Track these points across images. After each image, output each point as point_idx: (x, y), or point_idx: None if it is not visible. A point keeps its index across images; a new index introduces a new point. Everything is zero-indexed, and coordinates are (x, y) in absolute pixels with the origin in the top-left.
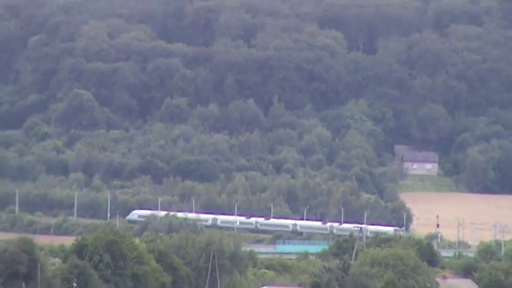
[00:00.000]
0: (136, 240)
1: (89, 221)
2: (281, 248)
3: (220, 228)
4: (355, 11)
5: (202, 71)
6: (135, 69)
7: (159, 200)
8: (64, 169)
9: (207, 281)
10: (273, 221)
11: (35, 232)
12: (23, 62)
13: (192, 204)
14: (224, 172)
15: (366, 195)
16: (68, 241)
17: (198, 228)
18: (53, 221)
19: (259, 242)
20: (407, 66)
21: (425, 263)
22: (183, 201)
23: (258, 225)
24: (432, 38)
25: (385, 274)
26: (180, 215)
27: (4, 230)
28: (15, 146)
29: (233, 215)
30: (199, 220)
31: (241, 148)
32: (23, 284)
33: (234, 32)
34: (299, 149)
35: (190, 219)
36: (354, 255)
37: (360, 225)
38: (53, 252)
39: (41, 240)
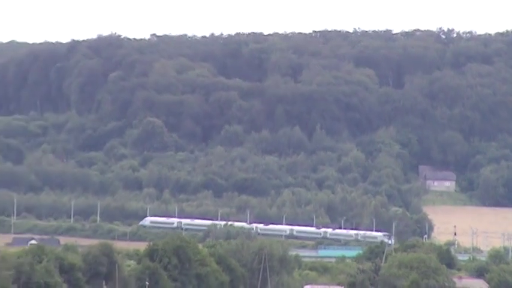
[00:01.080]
0: (200, 246)
1: (160, 230)
2: (322, 252)
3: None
4: (385, 52)
5: (255, 102)
6: (199, 101)
7: (219, 211)
8: (138, 185)
9: (259, 280)
10: (271, 226)
11: (113, 238)
12: (104, 94)
13: (247, 215)
14: (274, 188)
15: (394, 208)
16: (142, 246)
17: (252, 236)
18: (128, 229)
19: (303, 247)
20: (429, 99)
21: (444, 265)
22: (239, 212)
23: (258, 230)
24: (450, 75)
25: (410, 275)
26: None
27: (87, 236)
28: (97, 165)
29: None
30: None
31: (288, 168)
32: (104, 282)
33: (283, 70)
34: (338, 169)
35: (245, 228)
36: (383, 258)
37: (387, 234)
38: (128, 255)
39: (119, 245)
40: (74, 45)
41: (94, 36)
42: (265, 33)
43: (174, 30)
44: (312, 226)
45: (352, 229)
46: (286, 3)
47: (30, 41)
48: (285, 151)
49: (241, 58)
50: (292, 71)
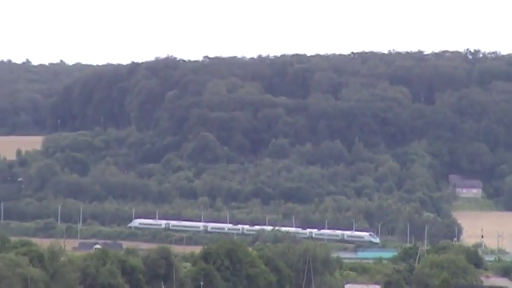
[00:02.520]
0: (250, 249)
1: (213, 235)
2: (361, 254)
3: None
4: (417, 71)
5: (300, 118)
6: (248, 117)
7: (267, 218)
8: (193, 194)
9: (304, 280)
10: (256, 227)
11: (170, 242)
12: (162, 111)
13: (292, 221)
14: (317, 196)
15: (426, 214)
16: (197, 249)
17: (297, 239)
18: (185, 234)
19: (344, 249)
20: (458, 114)
21: (472, 265)
22: (285, 218)
23: (244, 231)
24: (477, 92)
25: (441, 274)
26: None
27: (147, 241)
28: (155, 176)
29: (225, 223)
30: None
31: (330, 177)
32: (162, 282)
33: (325, 88)
34: (375, 178)
35: (291, 233)
36: (417, 259)
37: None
38: (185, 258)
39: (176, 249)
40: (134, 66)
41: (152, 58)
42: (308, 54)
43: (225, 52)
44: (298, 227)
45: (338, 229)
46: (328, 28)
47: (94, 63)
48: (326, 162)
49: (286, 77)
50: (333, 88)
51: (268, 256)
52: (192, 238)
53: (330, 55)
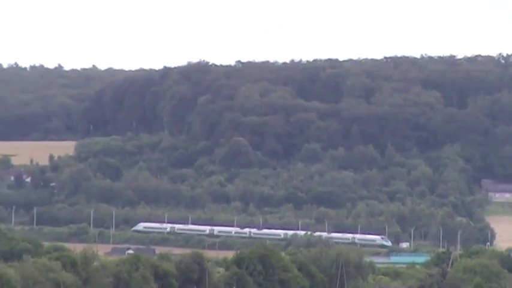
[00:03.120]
0: (282, 253)
1: (245, 240)
2: (394, 259)
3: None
4: (450, 76)
5: (332, 122)
6: (280, 121)
7: (300, 222)
8: (226, 199)
9: (337, 285)
10: (264, 231)
11: (203, 247)
12: (194, 116)
13: (325, 225)
14: (350, 200)
15: (459, 218)
16: (229, 254)
17: (330, 244)
18: (218, 239)
19: (377, 254)
20: (490, 118)
21: (505, 270)
22: (318, 223)
23: (252, 234)
24: (509, 96)
25: (474, 279)
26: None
27: (180, 246)
28: (188, 181)
29: (232, 226)
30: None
31: (362, 182)
32: (195, 287)
33: (357, 93)
34: (407, 182)
35: (324, 237)
36: (450, 264)
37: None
38: (217, 263)
39: (209, 254)
40: (167, 71)
41: (184, 63)
42: (341, 59)
43: (258, 57)
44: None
45: (349, 233)
46: (360, 32)
47: (126, 68)
48: (359, 167)
49: (319, 82)
50: (365, 93)
51: (301, 261)
52: (225, 243)
53: (362, 60)
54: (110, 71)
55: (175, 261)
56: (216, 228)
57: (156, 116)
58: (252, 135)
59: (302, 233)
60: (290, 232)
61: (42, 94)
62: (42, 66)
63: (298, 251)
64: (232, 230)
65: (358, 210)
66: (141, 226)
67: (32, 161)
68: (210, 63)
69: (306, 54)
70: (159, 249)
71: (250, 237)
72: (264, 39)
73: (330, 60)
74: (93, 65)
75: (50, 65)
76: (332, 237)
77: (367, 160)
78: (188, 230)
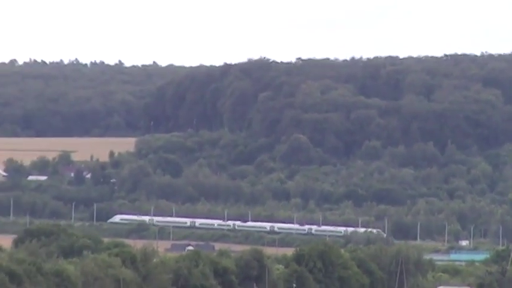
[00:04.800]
0: (342, 250)
1: (305, 236)
2: (454, 256)
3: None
4: (510, 73)
5: (392, 119)
6: (341, 118)
7: (359, 219)
8: (286, 196)
9: (397, 282)
10: (249, 223)
11: (263, 244)
12: (255, 113)
13: (385, 222)
14: (409, 198)
15: None
16: (289, 251)
17: (390, 241)
18: (277, 236)
19: (436, 251)
20: None
21: None
22: (378, 220)
23: (236, 227)
24: None
25: None
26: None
27: (239, 243)
28: (248, 178)
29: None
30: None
31: (422, 179)
32: (254, 284)
33: (417, 90)
34: (467, 180)
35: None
36: (510, 262)
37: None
38: (277, 260)
39: (268, 250)
40: (227, 68)
41: (245, 59)
42: (401, 56)
43: (318, 54)
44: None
45: (340, 226)
46: (420, 30)
47: (187, 65)
48: (419, 164)
49: (379, 79)
50: (425, 90)
51: (361, 258)
52: (284, 240)
53: (422, 57)
54: (170, 68)
55: (235, 257)
56: (198, 221)
57: (216, 112)
58: (313, 132)
59: (362, 230)
60: (350, 229)
61: (103, 90)
62: (102, 62)
63: (357, 248)
64: (215, 222)
65: (417, 208)
66: (117, 218)
67: (92, 157)
68: (270, 60)
69: (367, 51)
70: (218, 246)
71: (310, 234)
72: (324, 37)
73: (390, 57)
74: (154, 62)
75: (111, 61)
76: (323, 230)
77: (427, 157)
78: (167, 222)
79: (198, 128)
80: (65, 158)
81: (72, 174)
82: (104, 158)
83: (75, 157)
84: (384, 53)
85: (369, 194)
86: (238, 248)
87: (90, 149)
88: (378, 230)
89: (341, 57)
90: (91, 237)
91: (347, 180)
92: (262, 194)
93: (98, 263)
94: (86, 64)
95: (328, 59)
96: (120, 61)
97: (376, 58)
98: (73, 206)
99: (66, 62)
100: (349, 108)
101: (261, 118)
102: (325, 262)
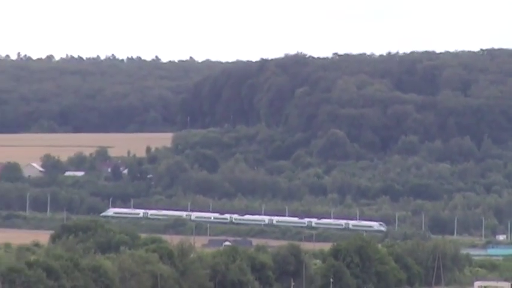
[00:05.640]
0: (379, 245)
1: (342, 232)
2: (491, 251)
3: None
4: None
5: (429, 114)
6: (377, 114)
7: (396, 214)
8: (323, 191)
9: (434, 277)
10: (247, 216)
11: (300, 239)
12: (291, 108)
13: (422, 217)
14: (446, 193)
15: None
16: (326, 246)
17: (427, 236)
18: (315, 230)
19: (473, 246)
20: None
21: None
22: (415, 215)
23: (233, 220)
24: None
25: None
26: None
27: (277, 238)
28: (285, 173)
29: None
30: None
31: (459, 174)
32: (291, 279)
33: (454, 85)
34: (504, 175)
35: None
36: None
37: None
38: (314, 255)
39: (305, 246)
40: (264, 63)
41: (282, 55)
42: (437, 51)
43: (355, 49)
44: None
45: (343, 219)
46: (457, 24)
47: (224, 60)
48: (456, 159)
49: (415, 74)
50: (462, 85)
51: (398, 253)
52: (321, 235)
53: (459, 52)
54: (207, 63)
55: (272, 253)
56: (194, 214)
57: (253, 108)
58: (349, 128)
59: (138, 211)
60: (351, 222)
61: (140, 86)
62: (139, 58)
63: (394, 243)
64: (211, 215)
65: (454, 203)
66: (111, 212)
67: (129, 152)
68: (307, 55)
69: (403, 46)
70: (255, 241)
71: (347, 229)
72: (360, 32)
73: (426, 52)
74: (191, 57)
75: (147, 56)
76: (324, 223)
77: (463, 152)
78: (162, 215)
79: (235, 124)
80: (102, 154)
81: (109, 170)
82: (141, 153)
83: (112, 153)
84: (420, 47)
85: (405, 189)
86: (275, 243)
87: (127, 145)
88: (381, 223)
89: (377, 52)
90: (128, 233)
91: (384, 175)
92: (299, 189)
93: (135, 258)
94: (122, 60)
95: (364, 54)
96: (157, 56)
97: (412, 53)
98: (110, 202)
99: (103, 57)
100: (386, 104)
101: (298, 113)
102: (362, 257)
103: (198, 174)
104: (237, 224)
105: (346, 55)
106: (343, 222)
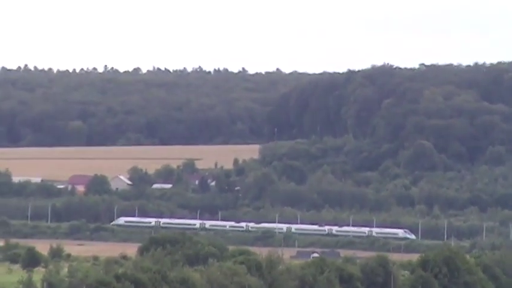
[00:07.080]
0: (467, 256)
1: (430, 242)
2: None
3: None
4: None
5: None
6: (464, 124)
7: (484, 225)
8: (411, 202)
9: None
10: (264, 225)
11: (388, 250)
12: (378, 119)
13: (509, 228)
14: None
15: None
16: (414, 257)
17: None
18: (403, 241)
19: None
20: None
21: None
22: (503, 226)
23: (249, 228)
24: None
25: None
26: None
27: (365, 249)
28: (372, 184)
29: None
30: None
31: None
32: None
33: None
34: None
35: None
36: None
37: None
38: (402, 266)
39: (393, 256)
40: (351, 75)
41: (368, 66)
42: None
43: (441, 60)
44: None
45: (364, 226)
46: None
47: (311, 72)
48: None
49: (503, 85)
50: None
51: (486, 263)
52: (409, 246)
53: None
54: (294, 75)
55: (360, 264)
56: (208, 222)
57: (340, 119)
58: (437, 138)
59: (147, 220)
60: (374, 229)
61: (227, 98)
62: (226, 69)
63: (483, 253)
64: (226, 224)
65: None
66: (122, 220)
67: (216, 164)
68: (394, 67)
69: (490, 56)
70: (343, 253)
71: (247, 231)
72: (447, 42)
73: None
74: (277, 69)
75: (234, 68)
76: (345, 231)
77: None
78: (175, 224)
79: (322, 135)
80: (189, 166)
81: (197, 182)
82: (228, 165)
83: (199, 165)
84: (506, 58)
85: (493, 200)
86: (363, 255)
87: (215, 157)
88: (405, 230)
89: (464, 63)
90: (216, 245)
91: (471, 186)
92: (387, 200)
93: (223, 270)
94: (209, 72)
95: (451, 64)
96: (243, 68)
97: (499, 63)
98: (198, 214)
99: (189, 69)
100: (473, 114)
101: (385, 124)
102: (450, 268)
103: (286, 186)
104: (265, 232)
105: (433, 66)
106: (366, 229)
